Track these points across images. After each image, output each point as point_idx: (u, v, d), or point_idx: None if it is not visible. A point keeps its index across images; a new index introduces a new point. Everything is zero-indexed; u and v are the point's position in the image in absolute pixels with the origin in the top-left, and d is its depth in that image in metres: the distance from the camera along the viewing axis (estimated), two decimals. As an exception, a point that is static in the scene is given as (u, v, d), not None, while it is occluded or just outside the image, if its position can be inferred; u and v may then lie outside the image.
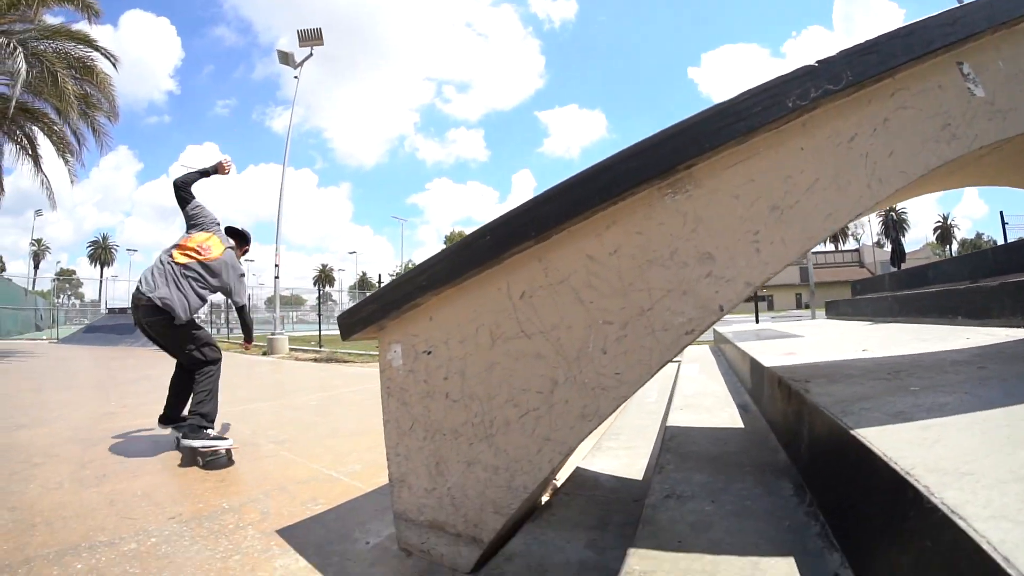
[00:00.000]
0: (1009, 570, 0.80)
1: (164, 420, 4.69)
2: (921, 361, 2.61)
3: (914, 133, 2.03)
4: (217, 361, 4.51)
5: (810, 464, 2.05)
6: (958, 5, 2.18)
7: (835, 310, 10.52)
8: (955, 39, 2.09)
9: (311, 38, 21.69)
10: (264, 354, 17.96)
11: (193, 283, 4.31)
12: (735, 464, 2.30)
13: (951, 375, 2.19)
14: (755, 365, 3.47)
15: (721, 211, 1.90)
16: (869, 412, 1.76)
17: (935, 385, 2.05)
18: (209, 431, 4.20)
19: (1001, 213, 16.83)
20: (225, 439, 4.20)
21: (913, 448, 1.35)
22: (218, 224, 4.72)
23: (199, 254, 4.39)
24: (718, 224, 1.89)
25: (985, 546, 0.87)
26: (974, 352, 2.76)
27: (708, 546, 1.66)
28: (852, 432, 1.56)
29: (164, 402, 4.72)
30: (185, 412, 4.58)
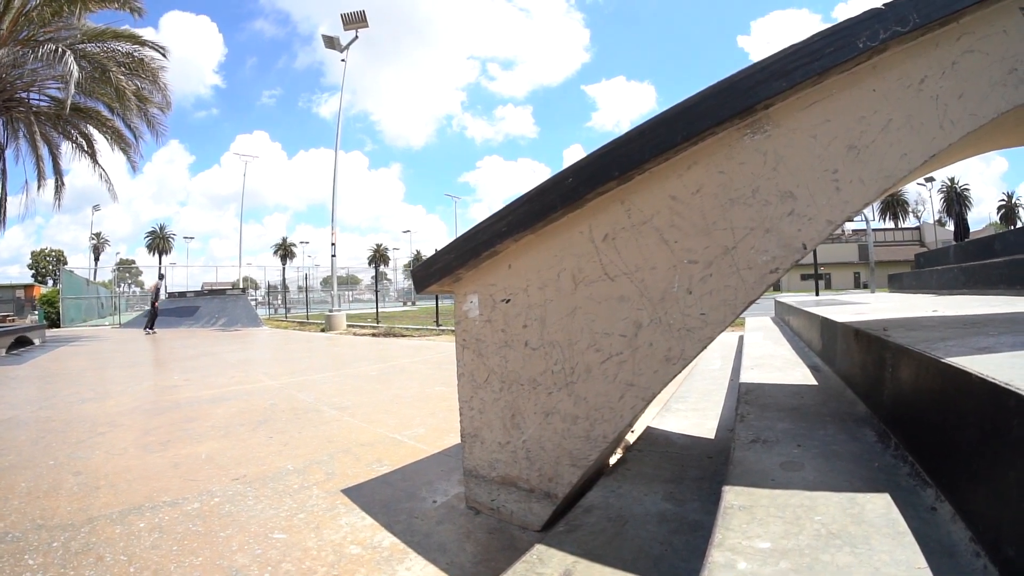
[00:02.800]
0: None
1: None
2: (995, 318, 2.58)
3: (982, 76, 2.03)
4: None
5: (894, 408, 2.03)
6: None
7: (898, 283, 10.19)
8: None
9: (355, 21, 21.71)
10: (322, 331, 18.01)
11: None
12: (815, 414, 2.29)
13: (1012, 326, 2.18)
14: (827, 324, 3.45)
15: (800, 150, 1.90)
16: (955, 347, 1.75)
17: (1014, 331, 2.04)
18: None
19: None
20: None
21: (1005, 370, 1.32)
22: None
23: None
24: (797, 163, 1.89)
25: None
26: None
27: (802, 484, 1.65)
28: (944, 360, 1.54)
29: (223, 376, 4.76)
30: None
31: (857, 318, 3.11)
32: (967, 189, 59.78)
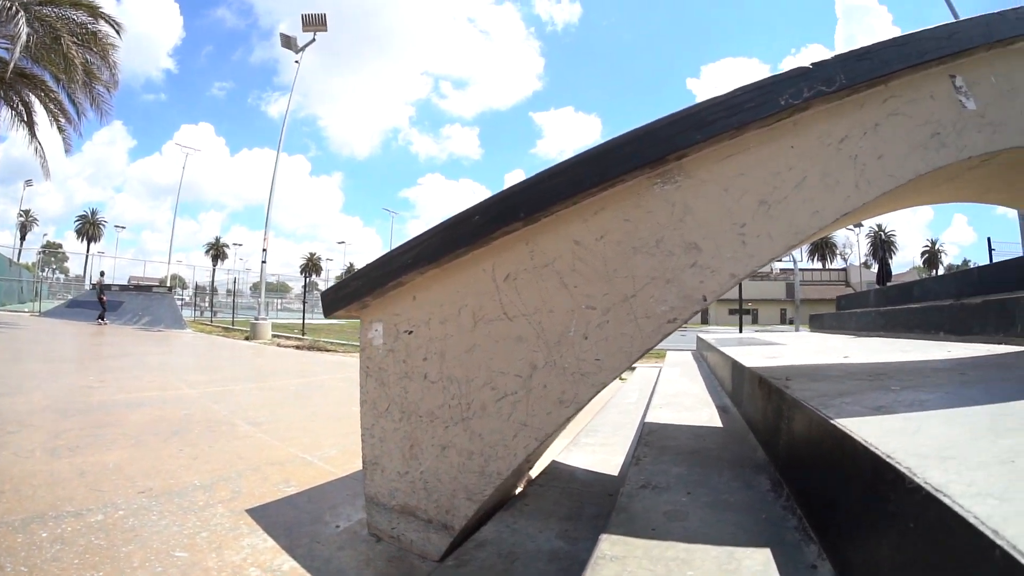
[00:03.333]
0: (998, 540, 0.74)
1: None
2: (903, 367, 2.57)
3: (904, 139, 1.99)
4: None
5: (788, 459, 2.00)
6: (955, 21, 2.14)
7: (819, 323, 10.50)
8: (949, 52, 2.09)
9: (315, 23, 21.20)
10: (247, 339, 17.43)
11: None
12: (713, 459, 2.25)
13: (932, 379, 2.17)
14: (736, 366, 3.43)
15: (709, 203, 1.86)
16: (849, 406, 1.72)
17: (916, 386, 2.03)
18: None
19: (988, 239, 17.57)
20: None
21: (893, 436, 1.31)
22: None
23: None
24: (706, 215, 1.85)
25: (972, 520, 0.81)
26: (955, 361, 2.76)
27: (683, 535, 1.60)
28: (832, 422, 1.52)
29: (141, 379, 4.63)
30: None
31: (766, 363, 3.10)
32: (893, 235, 63.15)
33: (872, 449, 1.22)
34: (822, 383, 2.14)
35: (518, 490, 2.58)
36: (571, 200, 1.92)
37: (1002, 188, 2.82)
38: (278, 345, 15.33)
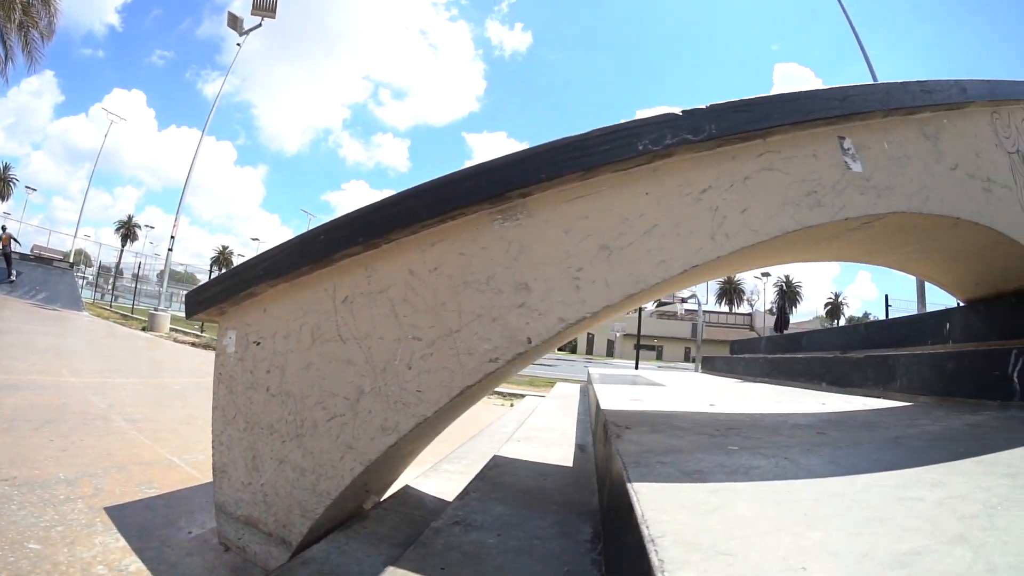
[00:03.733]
0: None
1: None
2: (760, 421, 2.47)
3: (775, 195, 1.90)
4: None
5: (607, 511, 1.89)
6: (852, 85, 2.03)
7: (710, 366, 10.50)
8: (840, 113, 2.01)
9: (265, 8, 20.02)
10: (144, 329, 16.41)
11: None
12: (544, 501, 2.17)
13: (783, 438, 2.08)
14: (597, 406, 3.29)
15: (547, 243, 1.79)
16: (664, 467, 1.61)
17: (758, 447, 1.92)
18: None
19: (886, 296, 17.85)
20: None
21: (682, 512, 1.19)
22: None
23: None
24: (541, 256, 1.77)
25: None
26: (821, 417, 2.67)
27: None
28: (628, 484, 1.41)
29: (25, 361, 4.49)
30: None
31: (626, 405, 3.03)
32: (800, 285, 64.45)
33: (642, 528, 1.09)
34: (660, 435, 2.03)
35: (368, 506, 2.51)
36: (410, 229, 1.86)
37: (888, 251, 2.68)
38: (175, 340, 14.47)
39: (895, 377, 3.45)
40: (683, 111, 1.84)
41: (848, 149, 2.02)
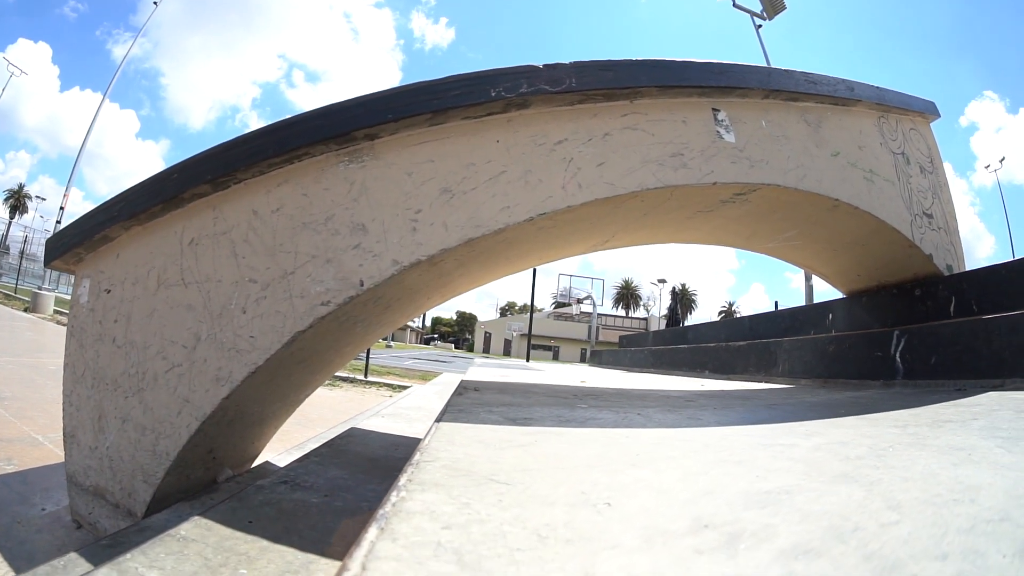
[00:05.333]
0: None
1: None
2: (629, 393, 2.39)
3: (636, 153, 1.74)
4: None
5: None
6: (723, 62, 1.92)
7: (597, 359, 10.40)
8: (716, 85, 1.88)
9: None
10: (26, 310, 14.96)
11: None
12: (388, 468, 2.04)
13: (645, 402, 2.00)
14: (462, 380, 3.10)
15: (389, 185, 1.62)
16: (490, 414, 1.51)
17: (612, 406, 1.84)
18: None
19: (776, 303, 17.90)
20: None
21: (476, 446, 1.08)
22: None
23: None
24: (381, 197, 1.60)
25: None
26: (696, 391, 2.54)
27: (273, 533, 1.37)
28: (435, 423, 1.33)
29: None
30: None
31: (492, 379, 2.89)
32: (695, 293, 62.97)
33: (415, 455, 0.98)
34: (505, 395, 1.89)
35: (221, 479, 2.23)
36: (257, 168, 1.67)
37: (767, 235, 2.52)
38: (58, 322, 13.16)
39: (777, 363, 3.34)
40: (544, 64, 1.70)
41: (722, 120, 1.88)
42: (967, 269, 2.77)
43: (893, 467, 0.91)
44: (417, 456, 0.97)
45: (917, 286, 2.76)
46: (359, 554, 0.53)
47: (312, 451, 2.01)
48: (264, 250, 1.63)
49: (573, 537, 0.60)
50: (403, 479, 0.81)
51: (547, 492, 0.79)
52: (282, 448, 2.86)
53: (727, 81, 1.89)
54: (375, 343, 12.89)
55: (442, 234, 1.56)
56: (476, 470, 0.89)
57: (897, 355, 2.44)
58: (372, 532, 0.58)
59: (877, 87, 2.41)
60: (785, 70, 2.07)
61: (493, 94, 1.63)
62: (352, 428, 2.44)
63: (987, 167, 32.81)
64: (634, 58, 1.79)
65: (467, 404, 1.57)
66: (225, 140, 1.74)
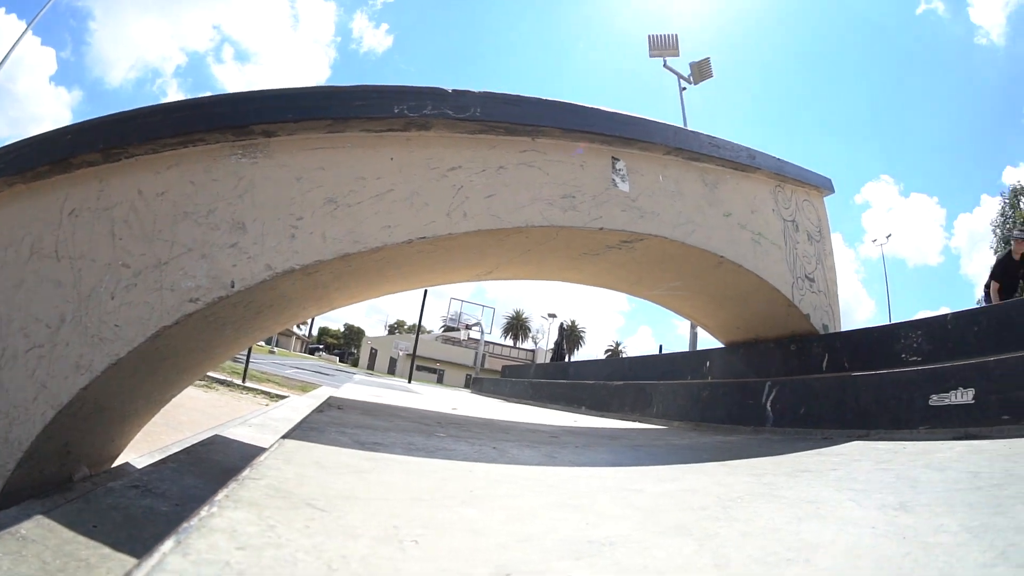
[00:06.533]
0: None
1: None
2: (496, 424, 2.39)
3: (528, 189, 1.71)
4: None
5: None
6: (625, 114, 1.94)
7: (479, 387, 10.37)
8: (620, 135, 1.86)
9: None
10: None
11: None
12: (223, 471, 1.85)
13: (507, 435, 1.99)
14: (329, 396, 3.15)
15: (276, 186, 1.54)
16: (341, 435, 1.47)
17: (471, 437, 1.80)
18: None
19: (660, 346, 19.21)
20: None
21: (311, 468, 1.05)
22: None
23: None
24: (266, 197, 1.52)
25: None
26: (565, 428, 2.51)
27: (117, 539, 1.29)
28: (279, 439, 1.30)
29: None
30: None
31: (363, 398, 2.90)
32: (584, 331, 61.49)
33: (244, 470, 0.97)
34: (368, 417, 1.86)
35: (77, 477, 2.10)
36: (150, 145, 1.56)
37: (652, 283, 2.58)
38: None
39: (652, 404, 3.36)
40: (453, 90, 1.66)
41: (620, 170, 1.88)
42: (842, 330, 2.89)
43: (735, 519, 0.89)
44: (246, 472, 0.92)
45: (793, 342, 2.84)
46: (147, 565, 0.50)
47: (171, 456, 1.90)
48: (143, 234, 1.52)
49: (363, 573, 0.57)
50: (221, 494, 0.77)
51: (359, 523, 0.75)
52: (146, 449, 2.69)
53: (632, 133, 1.90)
54: (254, 346, 12.51)
55: (320, 245, 1.49)
56: (298, 493, 0.85)
57: (768, 404, 2.48)
58: (168, 544, 0.56)
59: (778, 159, 2.47)
60: (692, 131, 2.11)
61: (396, 111, 1.57)
62: (216, 435, 2.32)
63: (874, 241, 34.51)
64: (544, 97, 1.77)
65: (324, 422, 1.52)
66: (130, 108, 1.63)
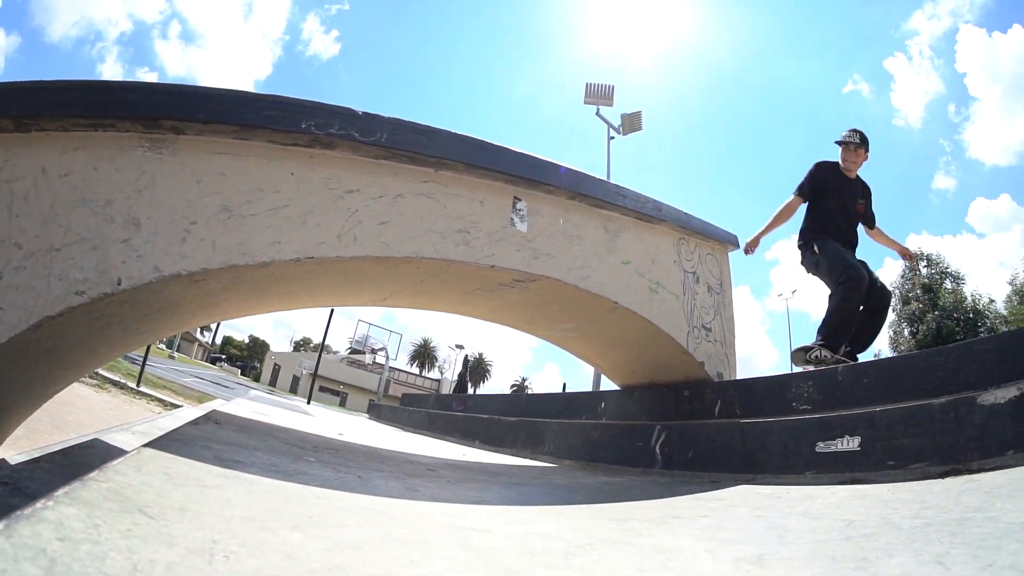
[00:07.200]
0: None
1: None
2: (378, 453, 2.44)
3: (422, 220, 1.75)
4: None
5: None
6: (542, 157, 1.97)
7: (376, 413, 10.16)
8: (522, 175, 1.91)
9: None
10: None
11: None
12: None
13: (382, 465, 1.93)
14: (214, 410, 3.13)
15: (176, 185, 1.58)
16: (206, 450, 1.48)
17: (342, 464, 1.78)
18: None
19: (564, 384, 19.17)
20: None
21: (159, 478, 1.06)
22: None
23: None
24: (164, 196, 1.55)
25: None
26: (448, 461, 2.56)
27: None
28: (136, 449, 1.34)
29: None
30: None
31: (247, 415, 2.84)
32: (491, 364, 61.53)
33: (90, 474, 0.95)
34: (241, 435, 1.91)
35: None
36: (62, 122, 1.55)
37: (547, 323, 2.67)
38: None
39: (544, 441, 3.39)
40: (364, 112, 1.70)
41: (520, 210, 1.95)
42: (737, 378, 2.99)
43: (571, 568, 0.88)
44: (94, 474, 0.94)
45: (687, 387, 2.89)
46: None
47: (46, 455, 1.89)
48: (40, 215, 1.53)
49: (165, 577, 0.63)
50: (61, 491, 0.80)
51: (181, 533, 0.79)
52: (27, 447, 2.68)
53: (537, 175, 1.96)
54: (154, 348, 12.13)
55: (208, 253, 1.52)
56: (135, 499, 0.88)
57: (657, 446, 2.52)
58: (-6, 525, 0.60)
59: (684, 213, 2.56)
60: (599, 179, 2.17)
61: (304, 126, 1.61)
62: (97, 439, 2.29)
63: (780, 295, 35.89)
64: (452, 130, 1.82)
65: (193, 435, 1.55)
66: (51, 79, 1.63)
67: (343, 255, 1.63)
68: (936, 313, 21.90)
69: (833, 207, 2.86)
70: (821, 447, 1.85)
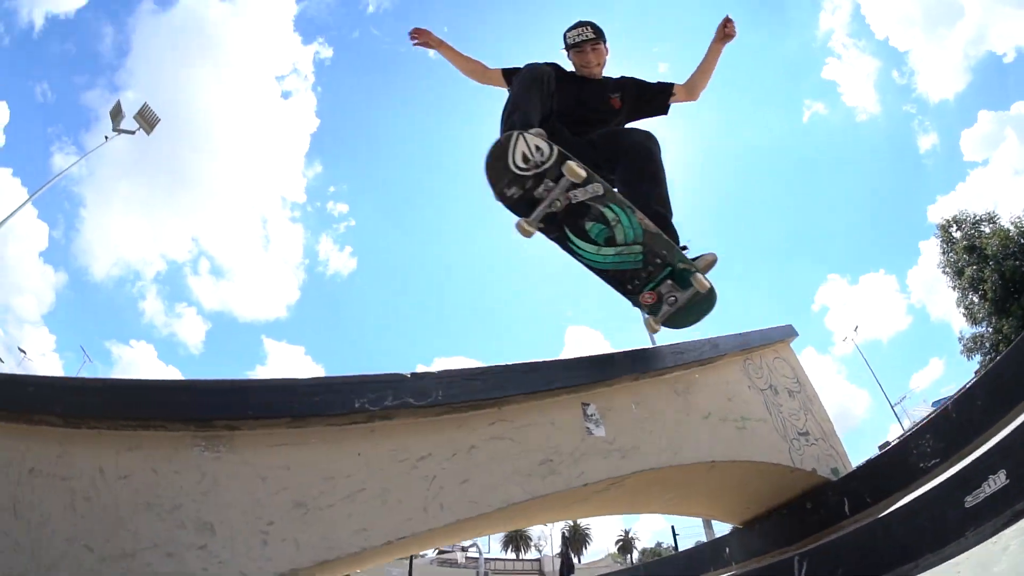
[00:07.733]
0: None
1: None
2: None
3: (503, 465, 1.60)
4: None
5: None
6: (594, 356, 1.74)
7: None
8: (583, 382, 1.69)
9: (147, 120, 17.46)
10: None
11: None
12: None
13: None
14: None
15: (241, 485, 1.46)
16: None
17: None
18: None
19: (672, 527, 17.36)
20: None
21: None
22: None
23: None
24: (232, 497, 1.44)
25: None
26: None
27: None
28: None
29: None
30: None
31: None
32: (588, 528, 57.13)
33: None
34: None
35: None
36: (108, 421, 1.44)
37: (647, 501, 2.52)
38: None
39: None
40: (411, 374, 1.56)
41: (592, 415, 1.78)
42: (853, 467, 2.73)
43: None
44: None
45: (807, 500, 2.64)
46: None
47: None
48: (105, 517, 1.42)
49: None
50: None
51: None
52: None
53: (597, 376, 1.81)
54: None
55: (293, 553, 1.41)
56: None
57: None
58: None
59: (740, 335, 2.35)
60: (653, 349, 1.97)
61: (357, 405, 1.48)
62: None
63: (844, 339, 32.72)
64: (502, 364, 1.65)
65: None
66: (88, 377, 1.47)
67: (435, 526, 1.50)
68: (991, 265, 19.51)
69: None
70: (970, 500, 1.64)
